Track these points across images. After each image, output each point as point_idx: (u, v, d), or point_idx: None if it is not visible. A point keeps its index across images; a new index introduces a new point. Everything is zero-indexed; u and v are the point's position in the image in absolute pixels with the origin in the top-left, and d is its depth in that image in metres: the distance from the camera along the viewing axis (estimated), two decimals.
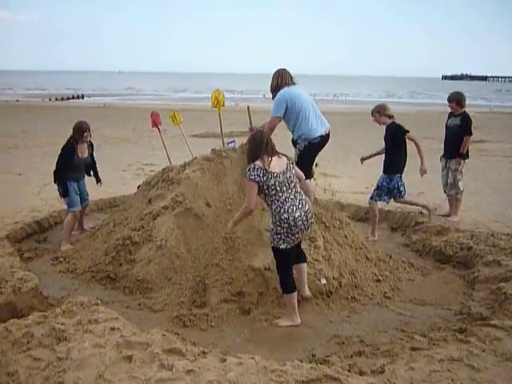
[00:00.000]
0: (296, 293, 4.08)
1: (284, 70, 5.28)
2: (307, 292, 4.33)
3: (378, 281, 4.85)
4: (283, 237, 3.92)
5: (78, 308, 3.45)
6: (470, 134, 6.86)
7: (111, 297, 4.55)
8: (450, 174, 7.11)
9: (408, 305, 4.52)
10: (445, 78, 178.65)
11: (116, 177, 9.36)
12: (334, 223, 5.26)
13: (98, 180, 6.72)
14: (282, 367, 2.91)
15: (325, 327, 4.09)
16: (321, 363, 3.31)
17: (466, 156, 6.97)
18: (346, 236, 5.21)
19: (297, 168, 4.22)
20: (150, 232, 5.01)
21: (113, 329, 3.20)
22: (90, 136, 6.38)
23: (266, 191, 3.91)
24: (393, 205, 7.44)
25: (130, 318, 3.95)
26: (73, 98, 41.72)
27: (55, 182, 6.18)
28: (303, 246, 4.77)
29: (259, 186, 3.88)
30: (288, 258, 4.05)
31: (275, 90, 5.24)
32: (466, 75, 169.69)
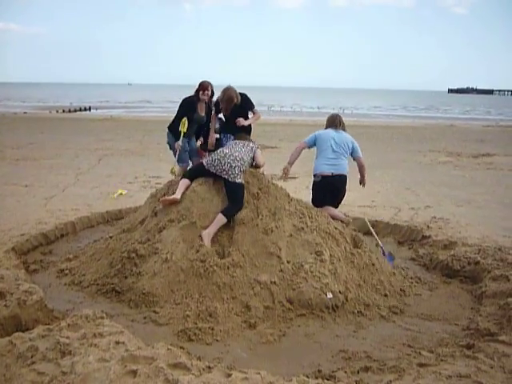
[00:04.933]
0: (183, 180, 5.41)
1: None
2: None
3: (385, 295, 4.82)
4: (208, 157, 5.63)
5: (82, 321, 3.43)
6: None
7: (116, 310, 4.53)
8: None
9: (415, 320, 4.48)
10: (451, 91, 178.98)
11: (122, 189, 9.38)
12: (340, 237, 5.24)
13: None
14: (288, 383, 2.88)
15: (331, 342, 4.05)
16: (327, 379, 3.27)
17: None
18: (351, 250, 5.19)
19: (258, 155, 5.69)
20: (156, 245, 5.01)
21: (118, 343, 3.18)
22: (209, 96, 6.88)
23: None
24: (400, 218, 7.43)
25: (135, 331, 3.92)
26: (80, 110, 42.01)
27: (170, 130, 6.99)
28: (309, 259, 4.76)
29: None
30: (196, 169, 5.62)
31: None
32: (472, 89, 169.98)
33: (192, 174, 5.50)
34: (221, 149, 5.57)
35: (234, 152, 5.39)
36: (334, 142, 5.93)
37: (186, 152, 7.07)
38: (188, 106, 6.86)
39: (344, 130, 6.14)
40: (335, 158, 5.90)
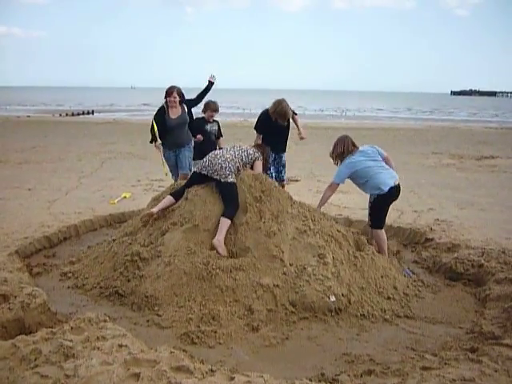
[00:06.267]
0: (168, 197, 5.54)
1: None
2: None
3: (388, 298, 4.81)
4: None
5: (85, 324, 3.44)
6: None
7: (119, 313, 4.53)
8: None
9: (418, 323, 4.46)
10: (453, 93, 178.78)
11: (126, 192, 9.39)
12: (343, 240, 5.23)
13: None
14: None
15: (334, 345, 4.04)
16: (330, 382, 3.27)
17: None
18: (354, 253, 5.18)
19: (256, 165, 5.64)
20: (159, 248, 5.01)
21: (121, 346, 3.18)
22: (176, 100, 7.11)
23: None
24: (403, 221, 7.41)
25: (138, 334, 3.92)
26: (83, 113, 42.05)
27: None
28: (312, 262, 4.76)
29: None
30: (188, 181, 5.62)
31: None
32: (475, 91, 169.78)
33: (186, 186, 5.54)
34: (214, 151, 5.63)
35: (226, 153, 5.42)
36: (369, 160, 5.65)
37: (172, 166, 7.39)
38: (157, 116, 7.12)
39: (357, 147, 5.82)
40: (388, 169, 5.68)
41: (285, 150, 7.30)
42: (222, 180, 5.23)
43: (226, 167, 5.25)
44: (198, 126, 7.50)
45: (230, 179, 5.24)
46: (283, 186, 7.42)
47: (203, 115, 7.67)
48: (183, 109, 7.23)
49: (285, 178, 7.50)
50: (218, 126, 7.86)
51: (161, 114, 7.09)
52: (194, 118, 7.59)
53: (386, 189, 5.55)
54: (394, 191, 5.63)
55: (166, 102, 7.12)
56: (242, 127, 23.29)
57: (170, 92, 7.02)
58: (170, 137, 7.15)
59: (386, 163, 5.80)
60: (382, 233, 5.77)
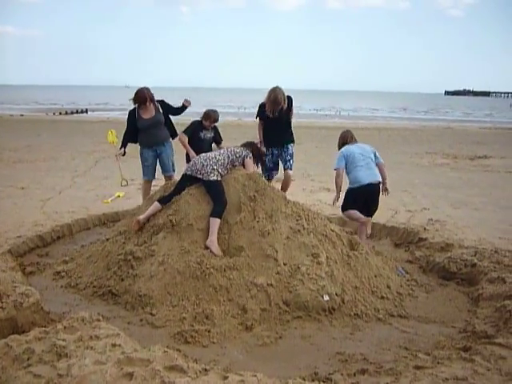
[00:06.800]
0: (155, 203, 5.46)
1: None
2: None
3: (382, 297, 4.82)
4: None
5: (79, 324, 3.43)
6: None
7: (113, 312, 4.52)
8: None
9: (412, 322, 4.48)
10: (447, 93, 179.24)
11: (120, 191, 9.36)
12: (337, 239, 5.24)
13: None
14: None
15: (327, 344, 4.05)
16: (323, 381, 3.28)
17: None
18: (348, 252, 5.19)
19: (247, 163, 5.61)
20: (152, 247, 5.00)
21: (114, 345, 3.17)
22: (145, 103, 6.95)
23: None
24: (396, 220, 7.43)
25: (132, 333, 3.92)
26: (77, 112, 41.87)
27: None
28: (305, 261, 4.76)
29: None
30: (181, 179, 5.57)
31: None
32: (469, 91, 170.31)
33: (176, 191, 5.50)
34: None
35: (211, 154, 5.56)
36: (359, 155, 6.14)
37: (148, 166, 7.20)
38: (129, 118, 7.08)
39: (356, 141, 6.41)
40: (371, 168, 6.12)
41: (292, 141, 6.93)
42: (205, 178, 5.29)
43: (206, 165, 5.33)
44: (193, 130, 7.29)
45: (212, 177, 5.28)
46: (289, 176, 6.93)
47: (202, 121, 7.44)
48: (157, 109, 7.05)
49: (292, 167, 7.01)
50: (217, 131, 7.61)
51: (133, 116, 7.01)
52: (193, 120, 7.50)
53: (359, 184, 6.04)
54: (370, 187, 6.06)
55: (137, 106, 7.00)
56: (238, 126, 23.28)
57: (142, 101, 6.87)
58: (146, 136, 7.04)
59: (379, 169, 6.23)
60: (354, 212, 6.17)
